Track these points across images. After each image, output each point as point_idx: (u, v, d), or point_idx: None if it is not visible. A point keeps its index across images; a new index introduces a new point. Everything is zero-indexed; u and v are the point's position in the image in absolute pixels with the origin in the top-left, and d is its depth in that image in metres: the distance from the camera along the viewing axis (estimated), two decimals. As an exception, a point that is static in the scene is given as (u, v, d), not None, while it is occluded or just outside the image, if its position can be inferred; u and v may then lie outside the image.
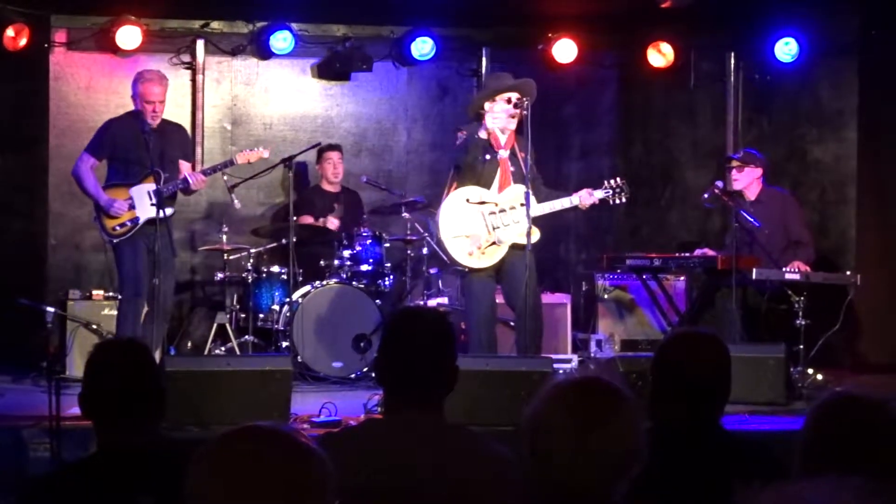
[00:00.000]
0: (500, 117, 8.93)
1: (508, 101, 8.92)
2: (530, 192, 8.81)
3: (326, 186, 11.35)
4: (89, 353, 3.81)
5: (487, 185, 9.05)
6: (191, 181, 9.24)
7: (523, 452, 2.85)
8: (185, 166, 9.40)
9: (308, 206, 11.10)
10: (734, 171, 10.15)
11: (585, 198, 9.14)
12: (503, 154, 9.01)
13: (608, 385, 2.85)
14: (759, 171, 10.12)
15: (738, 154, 10.36)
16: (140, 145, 9.04)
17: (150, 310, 9.06)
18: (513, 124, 8.95)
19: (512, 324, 9.40)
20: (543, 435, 2.79)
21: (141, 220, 9.10)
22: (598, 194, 9.20)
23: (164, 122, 9.38)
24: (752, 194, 10.10)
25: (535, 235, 8.89)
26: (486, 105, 8.98)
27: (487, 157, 8.99)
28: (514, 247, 8.99)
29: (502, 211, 8.98)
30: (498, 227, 8.97)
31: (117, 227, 9.14)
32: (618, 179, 9.34)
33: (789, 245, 10.05)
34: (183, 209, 10.59)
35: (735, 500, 2.12)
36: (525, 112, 8.74)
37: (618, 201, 9.33)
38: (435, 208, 9.32)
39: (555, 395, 2.83)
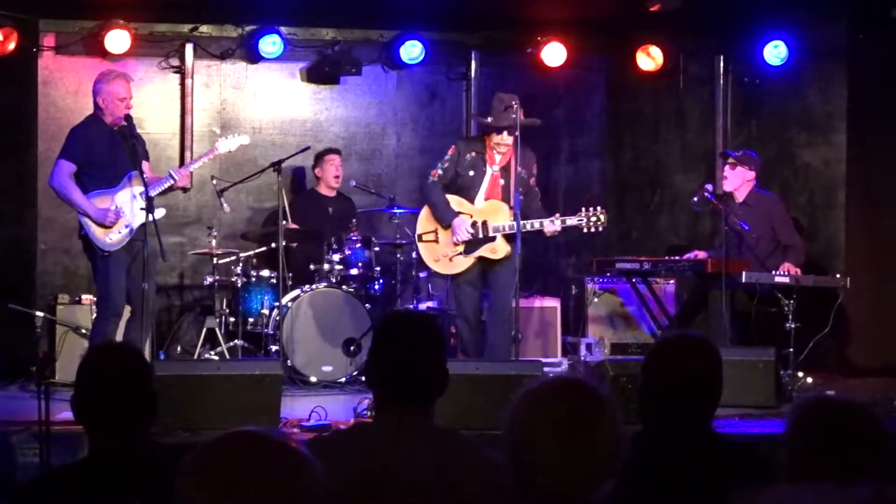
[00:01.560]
0: (499, 146, 9.19)
1: (507, 135, 9.14)
2: (520, 199, 8.90)
3: (323, 191, 11.33)
4: (82, 356, 3.80)
5: (473, 195, 9.27)
6: (177, 177, 9.03)
7: (503, 453, 2.85)
8: (146, 166, 9.07)
9: (302, 210, 11.08)
10: (727, 169, 10.15)
11: (549, 226, 9.18)
12: (494, 170, 9.25)
13: (587, 387, 2.84)
14: (751, 174, 10.12)
15: (737, 153, 10.34)
16: (117, 148, 8.82)
17: (135, 314, 8.87)
18: (505, 149, 9.20)
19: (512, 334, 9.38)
20: (526, 440, 2.78)
21: (135, 226, 8.81)
22: (571, 221, 9.23)
23: None
24: (740, 196, 10.10)
25: (504, 250, 9.11)
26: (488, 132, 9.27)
27: (472, 172, 9.21)
28: (491, 260, 9.15)
29: (474, 224, 9.17)
30: (466, 239, 9.10)
31: (112, 236, 8.81)
32: (597, 208, 9.33)
33: (777, 248, 10.06)
34: (172, 214, 10.58)
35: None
36: (516, 133, 8.99)
37: (592, 230, 9.32)
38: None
39: (534, 400, 2.82)
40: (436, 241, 9.28)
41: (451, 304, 9.83)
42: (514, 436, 2.80)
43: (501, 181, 9.19)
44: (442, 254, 9.26)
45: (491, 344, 9.23)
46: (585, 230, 9.31)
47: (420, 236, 9.38)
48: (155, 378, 3.81)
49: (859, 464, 2.86)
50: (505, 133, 9.11)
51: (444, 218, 9.24)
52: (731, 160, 10.17)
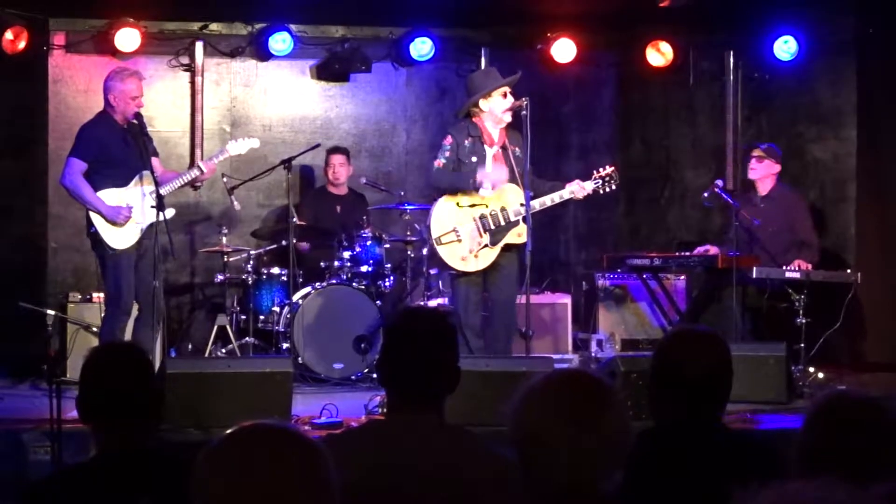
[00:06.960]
0: (498, 113, 8.92)
1: (504, 95, 8.93)
2: (530, 193, 8.79)
3: (332, 189, 11.33)
4: (85, 357, 3.80)
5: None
6: (204, 169, 9.02)
7: (511, 450, 2.85)
8: (156, 163, 8.99)
9: (310, 208, 11.09)
10: (754, 160, 10.16)
11: (578, 190, 9.05)
12: (494, 150, 8.99)
13: (589, 377, 2.86)
14: (777, 168, 10.16)
15: (764, 145, 10.34)
16: (128, 146, 8.76)
17: (143, 312, 8.86)
18: (508, 117, 8.96)
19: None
20: (532, 434, 2.78)
21: (145, 225, 8.76)
22: (589, 186, 9.12)
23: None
24: (764, 189, 10.12)
25: (526, 236, 8.82)
26: (482, 103, 8.97)
27: (474, 158, 8.96)
28: (506, 248, 8.97)
29: (493, 213, 8.96)
30: (490, 229, 8.93)
31: (122, 234, 8.73)
32: (607, 168, 9.26)
33: (793, 244, 10.05)
34: (183, 211, 10.58)
35: (734, 499, 2.12)
36: (525, 112, 8.74)
37: (607, 189, 9.25)
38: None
39: (538, 394, 2.83)
40: (458, 240, 8.90)
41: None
42: (519, 431, 2.81)
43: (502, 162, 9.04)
44: (468, 250, 8.91)
45: (493, 334, 9.01)
46: (602, 192, 9.23)
47: (439, 239, 8.94)
48: (159, 378, 3.80)
49: (874, 460, 2.85)
50: (506, 89, 8.91)
51: (465, 183, 8.87)
52: (759, 152, 10.17)
